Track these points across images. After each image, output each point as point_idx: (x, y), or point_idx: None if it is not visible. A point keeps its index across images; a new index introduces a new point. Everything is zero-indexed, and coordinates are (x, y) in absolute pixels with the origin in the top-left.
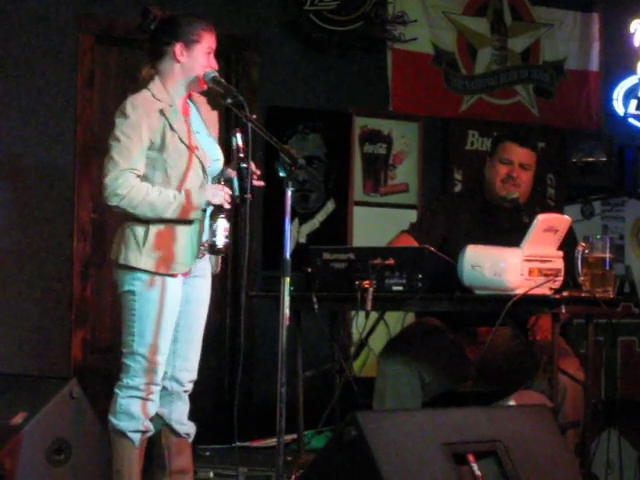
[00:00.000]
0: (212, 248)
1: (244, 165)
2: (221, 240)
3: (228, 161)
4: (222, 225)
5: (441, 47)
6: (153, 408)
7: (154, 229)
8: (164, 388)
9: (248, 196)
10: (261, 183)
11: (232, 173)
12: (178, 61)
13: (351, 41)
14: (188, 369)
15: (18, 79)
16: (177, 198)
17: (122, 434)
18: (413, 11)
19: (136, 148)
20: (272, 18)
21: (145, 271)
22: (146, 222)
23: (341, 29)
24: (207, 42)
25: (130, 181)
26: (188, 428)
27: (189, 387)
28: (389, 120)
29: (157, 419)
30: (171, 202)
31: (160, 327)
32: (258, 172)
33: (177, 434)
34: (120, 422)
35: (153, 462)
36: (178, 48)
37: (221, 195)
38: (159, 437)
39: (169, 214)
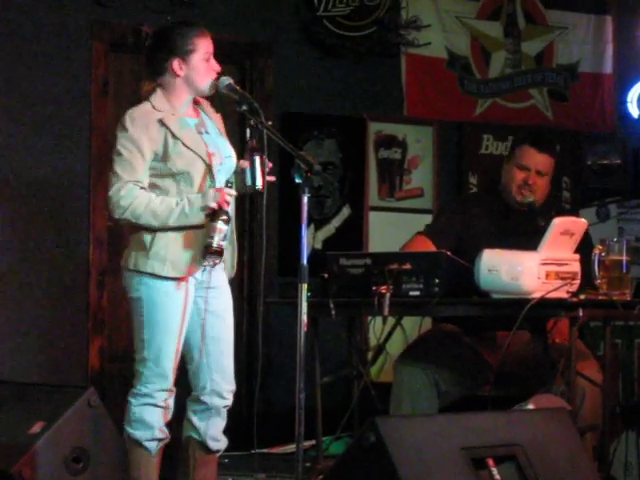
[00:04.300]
0: (207, 249)
1: (256, 156)
2: (217, 241)
3: (242, 154)
4: (219, 227)
5: (455, 51)
6: (168, 415)
7: (161, 234)
8: (204, 403)
9: (259, 186)
10: (272, 178)
11: (245, 164)
12: (178, 75)
13: (365, 46)
14: (226, 380)
15: (32, 88)
16: (179, 205)
17: (138, 443)
18: (426, 16)
19: (137, 161)
20: (286, 24)
21: (152, 275)
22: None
23: (355, 34)
24: (203, 48)
25: (133, 192)
26: (221, 445)
27: (229, 400)
28: (403, 125)
29: (191, 429)
30: (173, 209)
31: (167, 331)
32: (270, 164)
33: (208, 450)
34: (135, 431)
35: (178, 469)
36: (175, 64)
37: (218, 197)
38: (187, 445)
39: (172, 221)
